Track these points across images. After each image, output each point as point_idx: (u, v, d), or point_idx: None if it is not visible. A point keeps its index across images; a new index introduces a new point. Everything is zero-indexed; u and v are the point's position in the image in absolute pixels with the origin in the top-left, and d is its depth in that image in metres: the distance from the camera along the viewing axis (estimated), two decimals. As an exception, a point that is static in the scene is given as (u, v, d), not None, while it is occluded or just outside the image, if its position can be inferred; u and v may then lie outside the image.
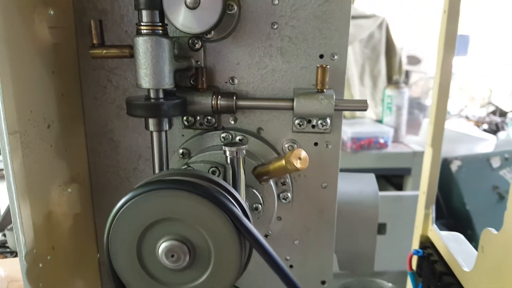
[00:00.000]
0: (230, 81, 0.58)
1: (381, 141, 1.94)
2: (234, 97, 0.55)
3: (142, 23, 0.48)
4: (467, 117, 3.31)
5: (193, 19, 0.48)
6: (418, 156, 1.97)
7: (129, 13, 0.57)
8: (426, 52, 3.25)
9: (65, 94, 0.57)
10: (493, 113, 3.34)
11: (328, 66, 0.52)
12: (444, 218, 2.14)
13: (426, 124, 2.41)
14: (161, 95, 0.51)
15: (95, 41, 0.51)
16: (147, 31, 0.48)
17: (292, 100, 0.54)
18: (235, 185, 0.51)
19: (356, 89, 2.24)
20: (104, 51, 0.51)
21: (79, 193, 0.60)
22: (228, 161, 0.51)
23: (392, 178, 2.13)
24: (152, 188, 0.42)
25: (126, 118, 0.61)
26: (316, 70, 0.53)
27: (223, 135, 0.58)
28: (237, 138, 0.58)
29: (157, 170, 0.53)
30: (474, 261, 0.58)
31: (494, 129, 3.08)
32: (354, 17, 2.25)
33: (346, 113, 2.26)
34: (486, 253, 0.55)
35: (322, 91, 0.54)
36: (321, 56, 0.56)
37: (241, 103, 0.55)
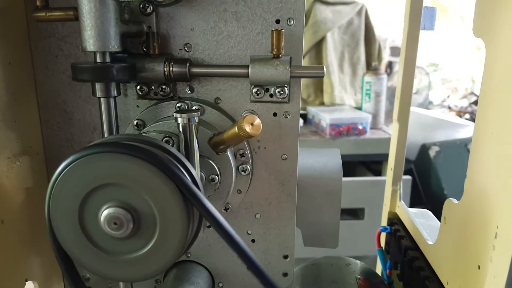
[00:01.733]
0: (185, 48, 0.56)
1: (360, 127, 1.94)
2: (188, 64, 0.53)
3: (85, -17, 0.46)
4: (449, 107, 3.34)
5: (139, -23, 0.46)
6: (396, 142, 1.97)
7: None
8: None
9: (13, 62, 0.55)
10: (475, 103, 3.38)
11: (283, 30, 0.51)
12: (423, 204, 2.16)
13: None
14: (108, 59, 0.49)
15: (38, 3, 0.49)
16: (91, -10, 0.46)
17: (248, 66, 0.52)
18: (188, 154, 0.49)
19: (335, 76, 2.23)
20: (48, 13, 0.49)
21: (30, 166, 0.57)
22: (180, 129, 0.49)
23: (371, 164, 2.14)
24: (93, 151, 0.40)
25: (78, 89, 0.59)
26: (271, 35, 0.51)
27: (178, 105, 0.57)
28: (194, 108, 0.56)
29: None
30: (438, 235, 0.58)
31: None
32: (333, 3, 2.24)
33: (325, 100, 2.26)
34: (448, 224, 0.55)
35: (278, 57, 0.52)
36: (278, 21, 0.54)
37: (195, 70, 0.54)
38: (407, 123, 0.79)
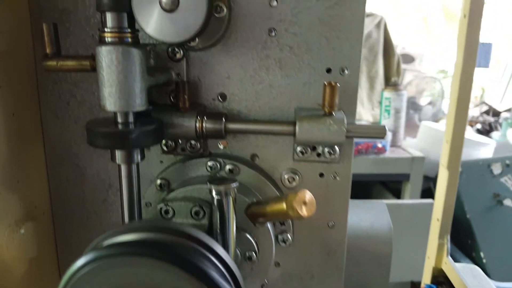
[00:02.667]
0: (219, 98, 0.48)
1: (379, 145, 1.85)
2: (223, 119, 0.45)
3: (106, 29, 0.38)
4: (461, 117, 3.25)
5: (170, 24, 0.37)
6: (416, 161, 1.88)
7: (96, 13, 0.47)
8: (419, 50, 3.17)
9: (17, 113, 0.47)
10: (486, 112, 3.29)
11: (338, 84, 0.43)
12: (443, 226, 2.07)
13: (424, 128, 2.33)
14: (131, 119, 0.41)
15: (48, 50, 0.41)
16: (113, 39, 0.38)
17: (294, 123, 0.44)
18: (223, 231, 0.41)
19: (352, 91, 2.15)
20: (60, 62, 0.41)
21: (34, 233, 0.49)
22: (215, 203, 0.41)
23: (390, 184, 2.05)
24: (111, 252, 0.32)
25: (93, 141, 0.51)
26: (323, 89, 0.43)
27: (209, 163, 0.48)
28: (227, 167, 0.48)
29: (126, 211, 0.43)
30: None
31: (488, 129, 3.03)
32: (352, 16, 2.15)
33: (342, 115, 2.17)
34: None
35: (330, 114, 0.44)
36: (329, 70, 0.46)
37: (232, 126, 0.45)
38: (458, 171, 0.70)
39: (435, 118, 3.25)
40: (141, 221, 0.43)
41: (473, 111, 3.44)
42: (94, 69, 0.40)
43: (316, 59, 0.46)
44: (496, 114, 3.32)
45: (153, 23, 0.37)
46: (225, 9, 0.43)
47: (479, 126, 3.15)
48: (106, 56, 0.37)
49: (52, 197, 0.53)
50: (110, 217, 0.54)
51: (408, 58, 3.25)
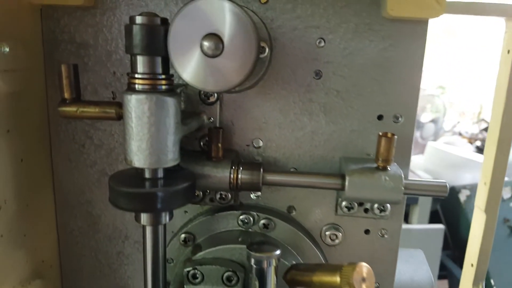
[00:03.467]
0: (254, 144, 0.43)
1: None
2: (261, 170, 0.40)
3: (137, 74, 0.33)
4: (460, 134, 3.24)
5: (213, 71, 0.32)
6: (425, 184, 1.84)
7: (118, 49, 0.42)
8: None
9: (26, 159, 0.42)
10: (486, 130, 3.27)
11: (395, 136, 0.38)
12: (449, 249, 2.02)
13: (431, 148, 2.29)
14: (160, 175, 0.35)
15: (66, 95, 0.35)
16: (145, 86, 0.33)
17: (342, 177, 0.39)
18: (263, 304, 0.36)
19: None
20: (80, 109, 0.35)
21: (42, 291, 0.44)
22: (253, 271, 0.36)
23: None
24: None
25: (110, 187, 0.46)
26: (378, 140, 0.38)
27: (241, 217, 0.43)
28: (261, 222, 0.43)
29: (149, 273, 0.37)
30: None
31: (488, 147, 3.01)
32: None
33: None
34: None
35: (384, 169, 0.39)
36: (380, 117, 0.41)
37: (271, 178, 0.40)
38: (496, 215, 0.65)
39: (436, 136, 3.22)
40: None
41: (472, 128, 3.43)
42: (120, 117, 0.35)
43: (366, 105, 0.41)
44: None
45: (192, 69, 0.32)
46: (267, 50, 0.38)
47: (478, 143, 3.12)
48: (137, 106, 0.32)
49: (61, 249, 0.47)
50: (125, 271, 0.48)
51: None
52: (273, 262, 0.35)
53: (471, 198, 1.92)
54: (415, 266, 0.55)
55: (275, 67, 0.41)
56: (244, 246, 0.37)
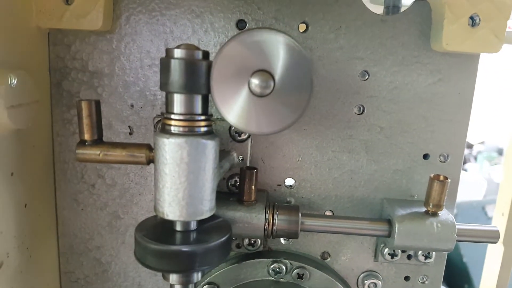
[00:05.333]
0: (286, 184, 0.39)
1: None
2: (299, 215, 0.36)
3: (172, 115, 0.28)
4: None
5: (262, 111, 0.28)
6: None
7: (138, 79, 0.37)
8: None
9: (30, 203, 0.36)
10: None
11: (449, 180, 0.34)
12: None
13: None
14: (193, 227, 0.31)
15: (87, 136, 0.31)
16: (182, 128, 0.28)
17: (389, 222, 0.35)
18: None
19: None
20: (103, 153, 0.31)
21: None
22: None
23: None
24: None
25: (121, 231, 0.41)
26: (429, 184, 0.35)
27: (273, 266, 0.39)
28: (295, 271, 0.39)
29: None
30: None
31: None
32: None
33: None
34: None
35: (435, 214, 0.35)
36: (426, 156, 0.38)
37: (310, 223, 0.36)
38: (517, 247, 0.63)
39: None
40: None
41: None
42: (150, 162, 0.31)
43: (412, 142, 0.38)
44: (470, 146, 3.38)
45: (238, 110, 0.28)
46: (308, 83, 0.35)
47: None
48: (175, 151, 0.28)
49: (64, 302, 0.42)
50: (137, 325, 0.43)
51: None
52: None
53: (457, 216, 1.92)
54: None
55: (313, 100, 0.37)
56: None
